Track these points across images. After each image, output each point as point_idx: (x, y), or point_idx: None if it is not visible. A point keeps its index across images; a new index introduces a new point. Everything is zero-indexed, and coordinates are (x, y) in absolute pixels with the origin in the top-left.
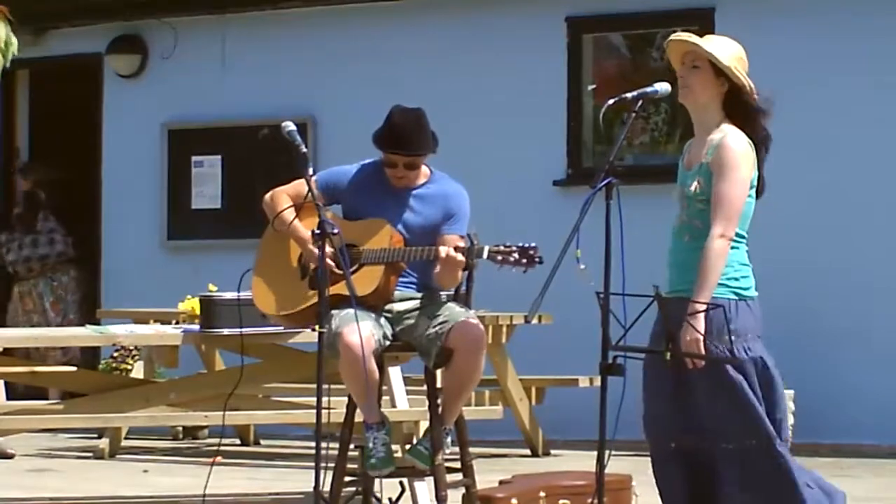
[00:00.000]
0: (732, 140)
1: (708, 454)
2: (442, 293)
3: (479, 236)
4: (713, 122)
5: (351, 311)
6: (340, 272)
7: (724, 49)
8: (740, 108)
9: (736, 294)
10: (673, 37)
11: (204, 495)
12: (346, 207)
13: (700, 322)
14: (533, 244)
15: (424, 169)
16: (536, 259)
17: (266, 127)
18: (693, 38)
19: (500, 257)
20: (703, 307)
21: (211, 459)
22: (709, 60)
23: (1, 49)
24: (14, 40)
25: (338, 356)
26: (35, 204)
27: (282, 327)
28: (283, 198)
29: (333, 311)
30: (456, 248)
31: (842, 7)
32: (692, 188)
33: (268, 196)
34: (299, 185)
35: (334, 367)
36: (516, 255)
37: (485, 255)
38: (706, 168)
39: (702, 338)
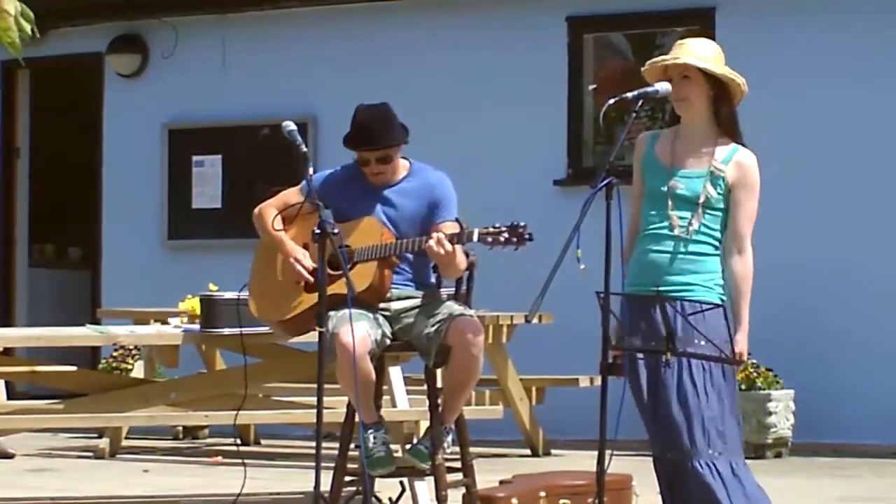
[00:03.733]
0: (749, 157)
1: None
2: (442, 292)
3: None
4: (708, 128)
5: (347, 311)
6: (335, 272)
7: (708, 55)
8: (726, 110)
9: (720, 299)
10: (648, 64)
11: (238, 494)
12: (332, 210)
13: (746, 331)
14: (522, 222)
15: (403, 162)
16: (526, 236)
17: (266, 127)
18: (670, 57)
19: (490, 238)
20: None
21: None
22: (696, 67)
23: (19, 22)
24: (30, 15)
25: (335, 358)
26: None
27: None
28: (270, 212)
29: (330, 313)
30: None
31: (842, 7)
32: (703, 194)
33: (256, 211)
34: (285, 196)
35: (334, 367)
36: (506, 235)
37: (475, 237)
38: (722, 180)
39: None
